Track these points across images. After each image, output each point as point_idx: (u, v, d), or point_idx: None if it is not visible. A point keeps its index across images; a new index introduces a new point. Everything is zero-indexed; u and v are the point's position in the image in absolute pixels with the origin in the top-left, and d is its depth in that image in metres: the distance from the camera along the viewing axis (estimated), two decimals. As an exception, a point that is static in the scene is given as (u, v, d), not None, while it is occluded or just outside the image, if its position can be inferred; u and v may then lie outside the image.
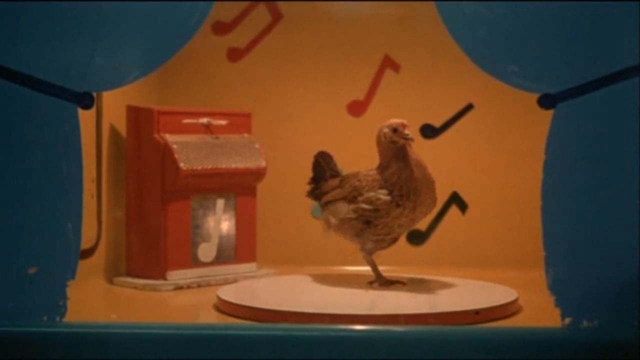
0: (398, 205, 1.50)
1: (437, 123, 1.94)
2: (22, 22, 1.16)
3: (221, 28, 1.98)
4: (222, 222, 1.76)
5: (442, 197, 1.91)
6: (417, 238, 1.92)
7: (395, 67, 1.96)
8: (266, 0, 1.97)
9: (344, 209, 1.55)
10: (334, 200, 1.59)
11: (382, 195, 1.50)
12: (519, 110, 1.86)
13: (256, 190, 1.82)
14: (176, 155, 1.68)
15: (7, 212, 1.17)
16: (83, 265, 1.23)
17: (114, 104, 1.74)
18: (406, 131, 1.50)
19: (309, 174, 1.71)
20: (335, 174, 1.68)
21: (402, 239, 1.69)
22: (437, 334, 1.16)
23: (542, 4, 1.15)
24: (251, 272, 1.79)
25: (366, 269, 1.59)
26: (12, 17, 1.16)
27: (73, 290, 1.18)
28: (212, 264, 1.74)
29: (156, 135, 1.71)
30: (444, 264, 1.61)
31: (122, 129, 1.78)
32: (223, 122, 1.78)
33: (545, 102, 1.17)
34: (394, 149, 1.52)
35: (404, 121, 1.52)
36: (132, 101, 1.78)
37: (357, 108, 1.97)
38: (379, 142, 1.55)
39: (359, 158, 1.61)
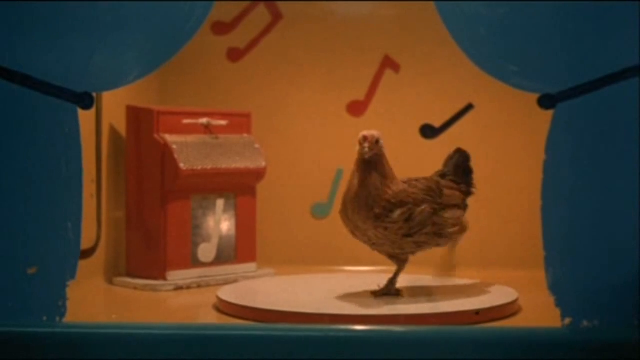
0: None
1: (437, 123, 1.93)
2: (22, 22, 1.16)
3: (221, 28, 1.98)
4: (222, 222, 1.76)
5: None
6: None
7: (395, 67, 1.96)
8: (266, 0, 1.97)
9: None
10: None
11: None
12: (519, 110, 1.86)
13: (256, 190, 1.82)
14: (176, 156, 1.68)
15: (7, 212, 1.16)
16: (83, 265, 1.23)
17: (114, 104, 1.74)
18: (365, 144, 1.43)
19: (309, 174, 1.71)
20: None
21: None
22: (437, 334, 1.16)
23: (542, 4, 1.15)
24: (251, 272, 1.79)
25: (366, 268, 1.58)
26: (12, 17, 1.15)
27: (73, 290, 1.18)
28: (212, 264, 1.74)
29: (156, 136, 1.71)
30: (444, 264, 1.60)
31: (122, 129, 1.78)
32: (223, 122, 1.78)
33: (545, 102, 1.17)
34: (357, 160, 1.46)
35: (366, 133, 1.44)
36: (132, 101, 1.78)
37: (357, 108, 1.97)
38: None
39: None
